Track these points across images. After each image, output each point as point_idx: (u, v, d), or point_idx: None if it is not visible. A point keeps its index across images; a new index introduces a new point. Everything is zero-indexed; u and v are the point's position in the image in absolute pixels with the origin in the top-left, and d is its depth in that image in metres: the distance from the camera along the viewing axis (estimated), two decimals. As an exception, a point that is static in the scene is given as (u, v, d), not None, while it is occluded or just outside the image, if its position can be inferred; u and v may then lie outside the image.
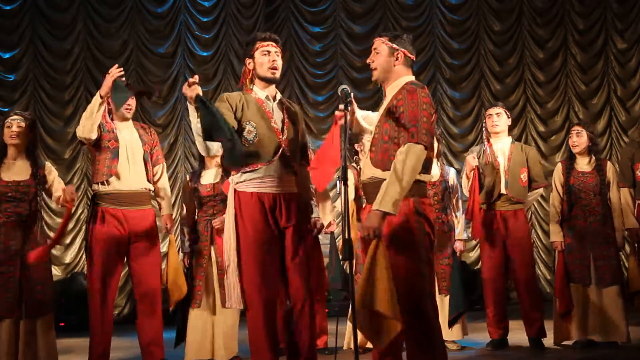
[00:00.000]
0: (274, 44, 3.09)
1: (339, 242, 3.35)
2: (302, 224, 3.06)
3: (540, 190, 4.62)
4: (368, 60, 2.91)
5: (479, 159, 4.56)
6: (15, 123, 3.83)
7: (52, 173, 3.94)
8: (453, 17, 7.97)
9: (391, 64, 2.85)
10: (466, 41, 7.94)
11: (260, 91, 3.11)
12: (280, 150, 3.01)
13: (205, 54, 7.69)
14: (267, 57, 3.07)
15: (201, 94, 2.81)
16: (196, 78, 2.84)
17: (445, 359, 2.71)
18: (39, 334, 3.74)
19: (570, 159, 4.57)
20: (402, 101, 2.72)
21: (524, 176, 4.50)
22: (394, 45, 2.85)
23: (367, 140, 3.02)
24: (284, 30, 7.78)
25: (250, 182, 2.99)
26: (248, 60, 3.13)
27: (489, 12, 7.97)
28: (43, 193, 3.93)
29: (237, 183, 3.02)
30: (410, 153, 2.62)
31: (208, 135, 2.80)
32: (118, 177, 3.83)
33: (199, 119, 2.80)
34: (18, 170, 3.82)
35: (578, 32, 7.95)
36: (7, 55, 7.44)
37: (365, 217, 2.86)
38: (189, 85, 2.80)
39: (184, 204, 4.47)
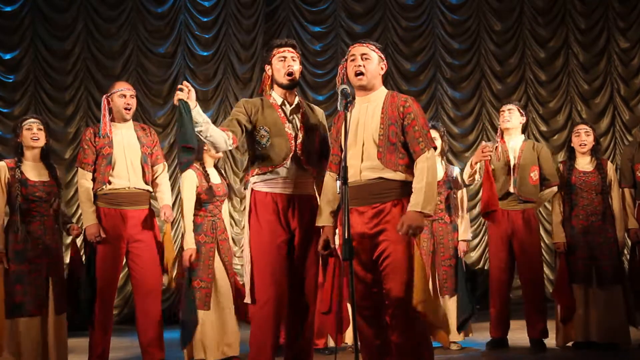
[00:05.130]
0: (290, 49, 3.16)
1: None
2: (312, 226, 3.09)
3: (555, 189, 4.47)
4: (357, 65, 2.98)
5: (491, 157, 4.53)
6: (36, 126, 3.92)
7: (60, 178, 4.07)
8: (453, 17, 7.96)
9: (379, 72, 3.03)
10: (467, 41, 7.93)
11: (277, 97, 3.17)
12: (292, 154, 3.07)
13: (205, 54, 7.68)
14: (284, 62, 3.13)
15: (188, 99, 2.83)
16: (185, 84, 2.87)
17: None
18: (64, 329, 3.87)
19: (570, 158, 4.55)
20: (411, 108, 2.92)
21: (534, 175, 4.44)
22: (382, 55, 3.03)
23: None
24: (284, 30, 7.78)
25: (265, 182, 3.08)
26: (267, 67, 3.20)
27: (490, 12, 7.96)
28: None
29: (254, 183, 3.11)
30: (433, 158, 2.87)
31: (178, 137, 2.89)
32: (115, 178, 3.84)
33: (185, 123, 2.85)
34: (40, 172, 3.93)
35: (580, 31, 7.93)
36: (7, 56, 7.43)
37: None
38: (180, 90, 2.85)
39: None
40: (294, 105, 3.18)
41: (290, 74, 3.12)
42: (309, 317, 3.11)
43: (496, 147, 4.53)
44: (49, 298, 3.80)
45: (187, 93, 2.83)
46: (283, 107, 3.16)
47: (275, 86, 3.19)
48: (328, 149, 3.23)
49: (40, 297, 3.78)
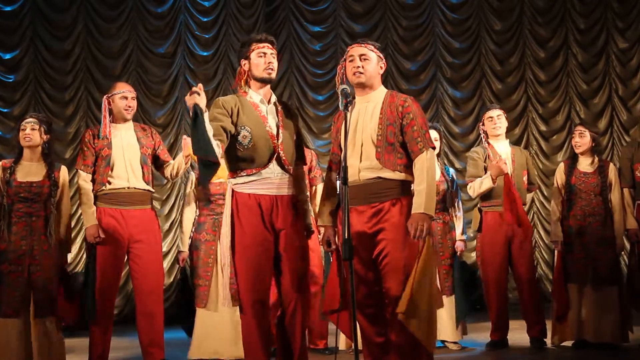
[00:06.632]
0: (269, 45, 3.08)
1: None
2: (297, 226, 3.06)
3: (532, 194, 4.63)
4: (356, 66, 2.99)
5: (483, 161, 4.55)
6: (29, 126, 3.87)
7: (64, 178, 3.97)
8: (454, 16, 7.95)
9: (378, 71, 3.05)
10: (467, 40, 7.93)
11: (254, 94, 3.09)
12: (276, 155, 3.01)
13: (205, 54, 7.68)
14: (263, 58, 3.04)
15: (201, 103, 2.79)
16: (200, 87, 2.84)
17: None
18: (51, 333, 3.76)
19: (573, 159, 4.57)
20: (410, 108, 2.94)
21: (525, 178, 4.56)
22: (381, 55, 3.05)
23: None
24: (284, 30, 7.78)
25: (247, 184, 2.99)
26: (243, 62, 3.10)
27: (490, 11, 7.96)
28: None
29: (234, 184, 3.02)
30: (432, 158, 2.91)
31: (195, 149, 2.80)
32: (114, 179, 3.84)
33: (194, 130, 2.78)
34: (33, 172, 3.87)
35: (579, 31, 7.93)
36: (7, 56, 7.43)
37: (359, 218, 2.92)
38: (190, 94, 2.81)
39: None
40: (272, 103, 3.11)
41: (270, 69, 3.05)
42: (297, 319, 3.01)
43: (487, 152, 4.55)
44: (31, 301, 3.71)
45: (201, 97, 2.79)
46: (262, 105, 3.07)
47: (251, 82, 3.08)
48: (302, 148, 3.22)
49: (18, 300, 3.69)
